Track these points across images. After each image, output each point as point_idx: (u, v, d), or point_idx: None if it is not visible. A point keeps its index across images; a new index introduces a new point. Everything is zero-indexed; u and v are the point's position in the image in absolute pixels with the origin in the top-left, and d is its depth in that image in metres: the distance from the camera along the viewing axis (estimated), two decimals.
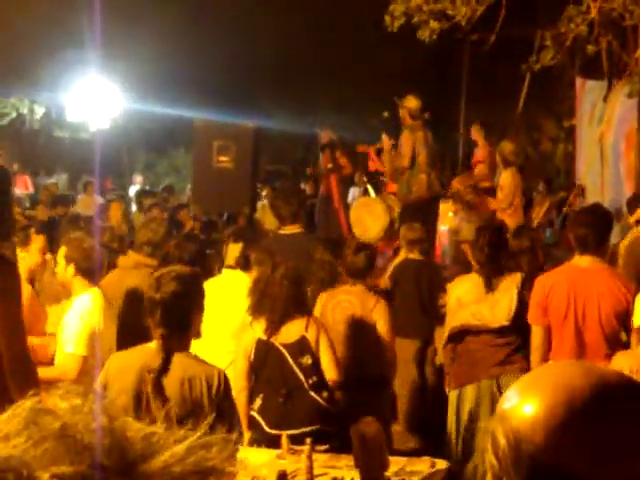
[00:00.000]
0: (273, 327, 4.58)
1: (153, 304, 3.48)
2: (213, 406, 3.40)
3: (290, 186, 11.09)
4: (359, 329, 5.28)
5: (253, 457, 3.91)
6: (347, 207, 11.59)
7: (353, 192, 13.76)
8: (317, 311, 5.18)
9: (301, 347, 4.52)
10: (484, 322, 5.26)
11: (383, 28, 8.00)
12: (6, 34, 14.42)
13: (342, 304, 5.38)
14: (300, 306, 4.65)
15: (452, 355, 5.45)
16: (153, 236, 6.01)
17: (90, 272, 4.84)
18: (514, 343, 5.25)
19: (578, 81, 12.94)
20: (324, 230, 11.09)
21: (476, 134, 12.06)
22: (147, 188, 16.87)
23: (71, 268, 4.80)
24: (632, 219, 8.41)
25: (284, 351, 4.52)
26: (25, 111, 19.04)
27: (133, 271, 5.67)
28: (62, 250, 4.90)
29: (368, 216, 10.18)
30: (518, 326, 5.17)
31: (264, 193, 13.69)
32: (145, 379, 3.39)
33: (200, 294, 3.64)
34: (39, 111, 19.13)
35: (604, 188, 11.36)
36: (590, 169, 12.13)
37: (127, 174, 19.73)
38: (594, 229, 4.83)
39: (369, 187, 11.99)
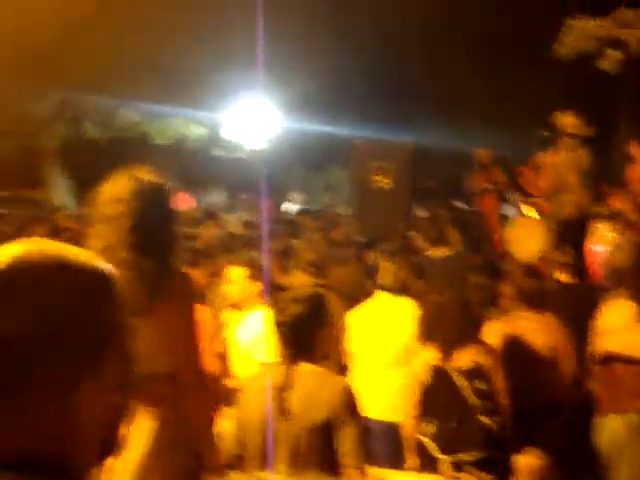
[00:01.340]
0: (446, 353, 4.56)
1: (279, 326, 3.64)
2: (339, 420, 3.46)
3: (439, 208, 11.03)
4: (539, 356, 5.18)
5: None
6: (502, 226, 11.44)
7: (507, 210, 13.57)
8: (489, 337, 5.11)
9: (474, 372, 4.49)
10: (634, 353, 5.04)
11: (545, 51, 7.84)
12: (168, 57, 15.05)
13: (519, 330, 5.28)
14: (471, 331, 4.63)
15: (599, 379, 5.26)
16: (316, 257, 6.12)
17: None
18: None
19: None
20: (477, 249, 10.99)
21: (636, 151, 11.67)
22: (306, 207, 17.07)
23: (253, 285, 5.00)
24: None
25: (458, 376, 4.50)
26: (185, 131, 19.78)
27: None
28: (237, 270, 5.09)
29: (526, 236, 10.02)
30: None
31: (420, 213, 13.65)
32: (272, 397, 3.52)
33: (325, 315, 3.72)
34: (199, 131, 19.83)
35: None
36: None
37: (283, 191, 20.07)
38: None
39: (524, 206, 11.79)
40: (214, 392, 3.67)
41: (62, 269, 1.26)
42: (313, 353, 3.63)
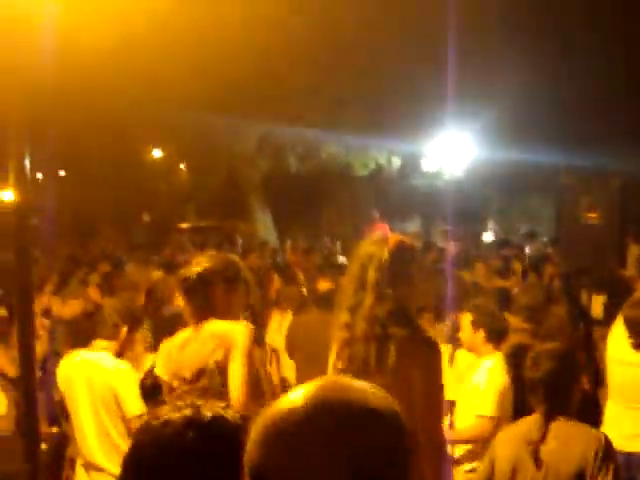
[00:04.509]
0: None
1: (533, 382, 3.68)
2: (595, 470, 3.41)
3: None
4: None
5: None
6: None
7: None
8: None
9: None
10: None
11: None
12: (367, 89, 15.28)
13: None
14: None
15: None
16: (533, 302, 6.01)
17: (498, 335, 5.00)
18: None
19: None
20: None
21: None
22: (502, 237, 16.84)
23: (480, 333, 4.97)
24: None
25: None
26: (383, 162, 20.04)
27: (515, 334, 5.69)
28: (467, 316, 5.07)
29: None
30: None
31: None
32: (525, 449, 3.55)
33: (577, 369, 3.76)
34: (396, 161, 20.04)
35: None
36: None
37: (480, 220, 19.96)
38: None
39: None
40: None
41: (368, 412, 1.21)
42: (568, 407, 3.65)
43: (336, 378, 1.31)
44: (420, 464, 3.16)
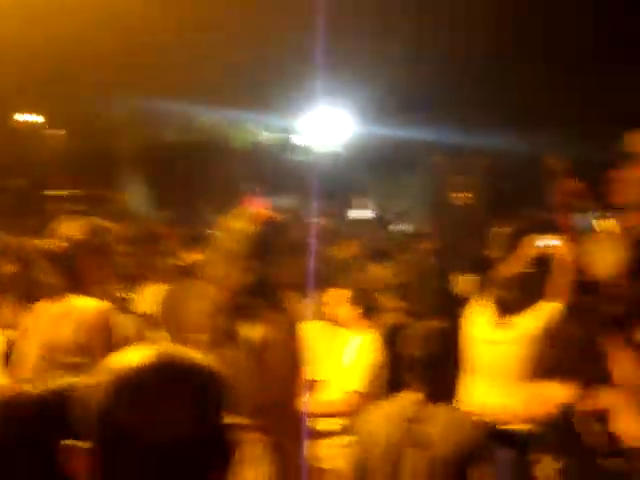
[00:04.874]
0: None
1: (409, 360, 3.67)
2: (473, 456, 3.48)
3: None
4: None
5: None
6: (576, 239, 11.30)
7: (585, 222, 13.36)
8: None
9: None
10: None
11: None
12: (244, 61, 15.21)
13: None
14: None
15: None
16: (407, 280, 6.11)
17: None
18: None
19: None
20: None
21: None
22: (378, 215, 17.04)
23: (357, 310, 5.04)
24: None
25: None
26: (260, 136, 20.01)
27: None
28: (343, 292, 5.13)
29: (607, 251, 9.87)
30: None
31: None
32: (401, 427, 3.54)
33: (453, 347, 3.83)
34: (272, 136, 20.04)
35: None
36: None
37: (352, 197, 20.19)
38: None
39: (602, 219, 11.62)
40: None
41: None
42: (444, 387, 3.69)
43: (170, 345, 1.47)
44: (280, 438, 3.21)
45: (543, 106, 15.62)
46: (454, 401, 3.72)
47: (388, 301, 5.95)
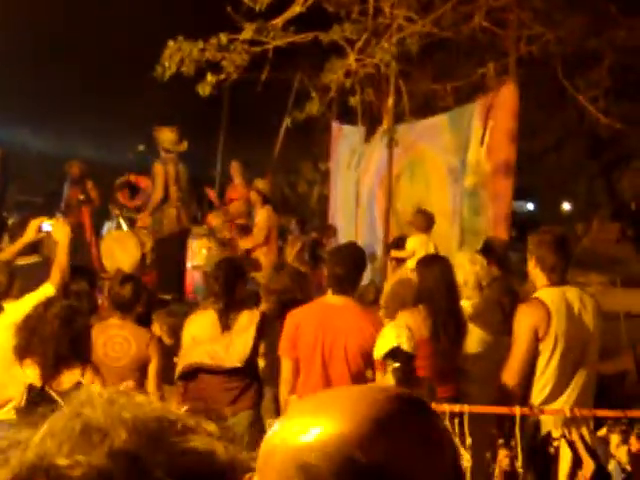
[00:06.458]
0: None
1: None
2: None
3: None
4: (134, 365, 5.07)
5: None
6: (98, 239, 11.17)
7: (107, 225, 13.27)
8: None
9: None
10: (218, 362, 5.12)
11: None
12: None
13: (114, 339, 5.09)
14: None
15: (182, 392, 5.24)
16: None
17: None
18: (244, 383, 5.20)
19: (334, 126, 13.30)
20: (75, 261, 10.60)
21: (235, 171, 12.05)
22: None
23: None
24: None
25: None
26: None
27: None
28: None
29: (119, 250, 9.84)
30: (250, 366, 5.19)
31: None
32: None
33: None
34: None
35: (358, 230, 11.70)
36: (345, 211, 12.46)
37: None
38: (348, 268, 4.78)
39: (122, 221, 11.57)
40: None
41: None
42: None
43: None
44: None
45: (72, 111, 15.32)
46: None
47: None
